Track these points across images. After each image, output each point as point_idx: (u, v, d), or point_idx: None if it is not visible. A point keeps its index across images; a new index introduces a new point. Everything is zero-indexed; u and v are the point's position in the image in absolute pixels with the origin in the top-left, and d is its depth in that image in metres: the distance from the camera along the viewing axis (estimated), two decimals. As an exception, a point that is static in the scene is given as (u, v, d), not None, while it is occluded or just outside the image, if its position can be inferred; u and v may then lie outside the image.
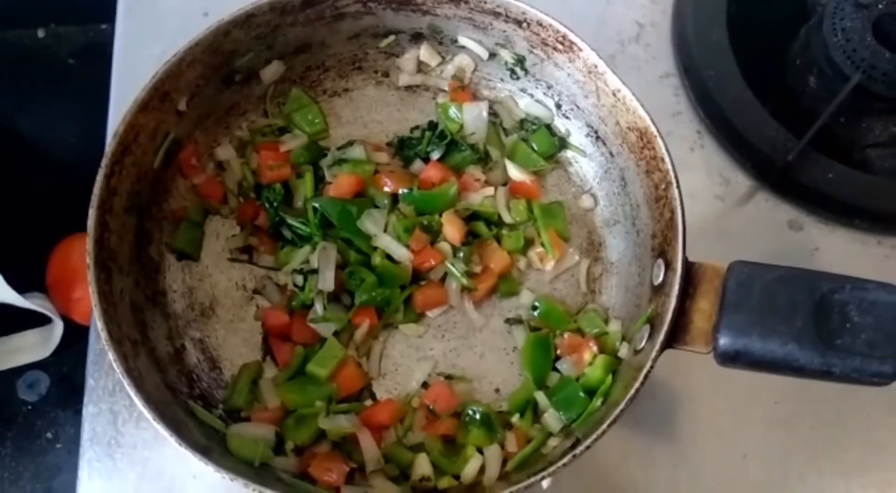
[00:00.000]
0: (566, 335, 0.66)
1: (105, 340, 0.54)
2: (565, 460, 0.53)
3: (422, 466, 0.61)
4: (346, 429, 0.61)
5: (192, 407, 0.60)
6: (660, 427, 0.72)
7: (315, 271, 0.66)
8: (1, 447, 1.06)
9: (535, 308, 0.68)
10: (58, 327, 1.06)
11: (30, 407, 1.07)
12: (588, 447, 0.54)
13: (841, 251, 0.77)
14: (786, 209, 0.79)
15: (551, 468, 0.54)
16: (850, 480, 0.69)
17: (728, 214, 0.79)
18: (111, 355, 0.53)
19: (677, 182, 0.58)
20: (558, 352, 0.66)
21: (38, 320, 1.07)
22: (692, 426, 0.72)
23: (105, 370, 0.72)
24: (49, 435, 1.06)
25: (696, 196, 0.78)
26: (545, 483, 0.67)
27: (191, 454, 0.51)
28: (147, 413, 0.52)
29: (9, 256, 0.99)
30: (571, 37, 0.64)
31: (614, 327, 0.65)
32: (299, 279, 0.67)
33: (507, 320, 0.69)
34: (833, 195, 0.77)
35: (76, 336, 1.06)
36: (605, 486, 0.70)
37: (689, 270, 0.56)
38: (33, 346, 1.06)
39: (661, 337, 0.55)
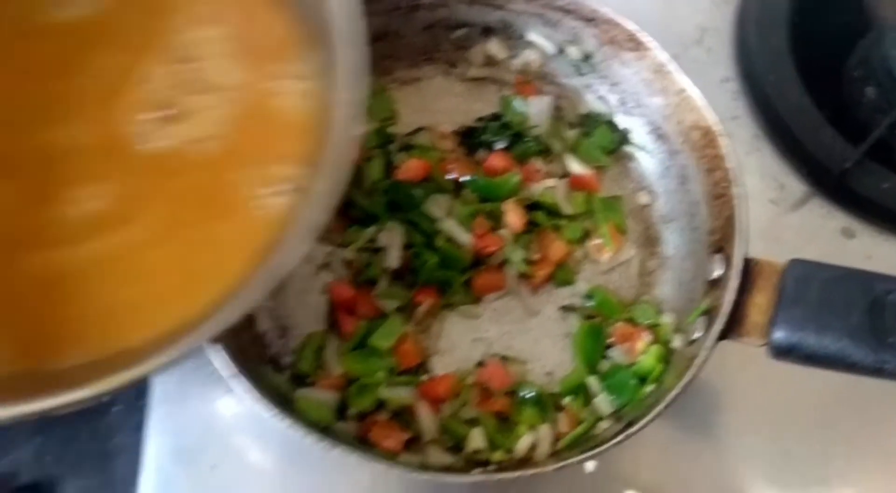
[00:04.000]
0: (619, 324, 0.68)
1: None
2: (618, 438, 0.56)
3: (476, 439, 0.64)
4: (404, 400, 0.64)
5: (263, 370, 0.64)
6: (703, 423, 0.74)
7: (381, 250, 0.69)
8: (60, 407, 1.10)
9: (589, 297, 0.70)
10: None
11: (89, 370, 1.12)
12: (641, 428, 0.56)
13: (893, 259, 0.78)
14: (839, 216, 0.80)
15: (604, 446, 0.56)
16: (890, 481, 0.71)
17: (782, 218, 0.81)
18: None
19: (739, 180, 0.61)
20: (610, 340, 0.69)
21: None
22: (736, 423, 0.73)
23: (175, 333, 0.76)
24: (107, 398, 1.11)
25: (751, 199, 0.79)
26: (590, 466, 0.70)
27: (267, 409, 0.55)
28: (228, 369, 0.56)
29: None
30: (640, 35, 0.66)
31: (667, 319, 0.67)
32: (366, 257, 0.70)
33: (562, 308, 0.71)
34: (887, 205, 0.78)
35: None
36: (647, 475, 0.72)
37: (748, 265, 0.58)
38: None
39: (717, 328, 0.57)
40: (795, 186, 0.82)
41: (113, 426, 1.12)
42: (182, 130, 0.44)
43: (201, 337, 0.39)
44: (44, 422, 1.11)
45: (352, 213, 0.72)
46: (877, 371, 0.53)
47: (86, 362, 0.40)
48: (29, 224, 0.43)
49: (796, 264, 0.57)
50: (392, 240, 0.69)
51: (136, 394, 1.14)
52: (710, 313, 0.61)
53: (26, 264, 0.42)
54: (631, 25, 0.67)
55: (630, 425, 0.57)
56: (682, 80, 0.65)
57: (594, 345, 0.68)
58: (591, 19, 0.69)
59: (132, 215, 0.43)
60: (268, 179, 0.44)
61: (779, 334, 0.55)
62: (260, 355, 0.66)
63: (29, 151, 0.43)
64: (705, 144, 0.65)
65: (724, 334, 0.57)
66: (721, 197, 0.63)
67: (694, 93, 0.64)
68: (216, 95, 0.44)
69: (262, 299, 0.40)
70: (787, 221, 0.81)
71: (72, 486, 1.08)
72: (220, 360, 0.56)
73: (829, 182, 0.80)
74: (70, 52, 0.45)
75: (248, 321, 0.67)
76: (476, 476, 0.58)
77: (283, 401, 0.62)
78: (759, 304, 0.57)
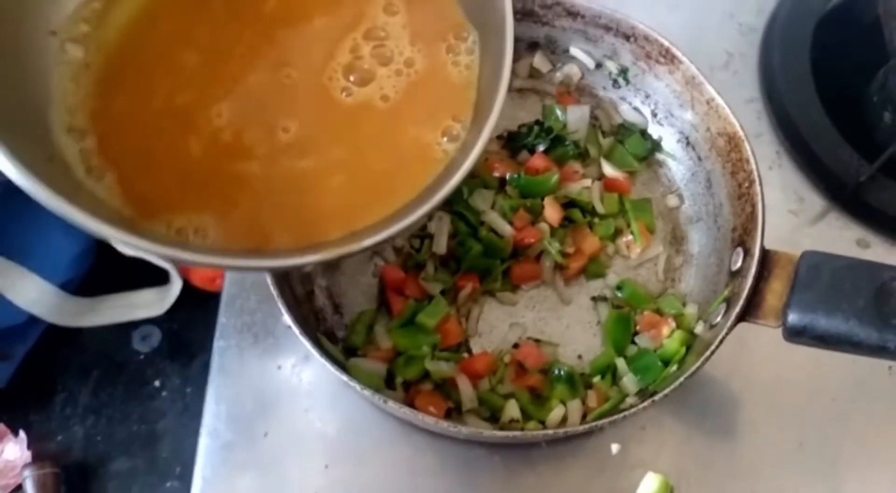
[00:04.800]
0: (646, 313, 0.74)
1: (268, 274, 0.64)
2: (644, 404, 0.61)
3: (511, 410, 0.69)
4: (447, 372, 0.70)
5: (320, 338, 0.70)
6: (722, 414, 0.78)
7: (430, 237, 0.75)
8: (113, 390, 1.17)
9: (619, 289, 0.76)
10: (175, 287, 1.15)
11: (142, 357, 1.19)
12: (665, 396, 0.61)
13: None
14: (855, 228, 0.86)
15: (630, 410, 0.61)
16: (898, 471, 0.75)
17: (801, 229, 0.86)
18: (270, 281, 0.64)
19: (760, 180, 0.67)
20: (638, 328, 0.74)
21: (157, 279, 1.17)
22: (753, 415, 0.78)
23: (235, 311, 0.82)
24: (157, 384, 1.17)
25: (772, 211, 0.84)
26: (615, 449, 0.75)
27: (329, 363, 0.61)
28: (295, 329, 0.62)
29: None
30: (674, 51, 0.73)
31: (691, 310, 0.73)
32: (416, 243, 0.76)
33: (593, 298, 0.77)
34: (900, 218, 0.84)
35: (189, 298, 1.15)
36: (668, 460, 0.76)
37: (766, 255, 0.64)
38: (151, 303, 1.16)
39: (736, 310, 0.63)
40: (814, 199, 0.87)
41: (160, 410, 1.20)
42: (373, 90, 0.57)
43: (385, 234, 0.50)
44: (98, 405, 1.18)
45: (403, 204, 0.79)
46: (880, 350, 0.58)
47: (292, 246, 0.51)
48: (246, 138, 0.54)
49: (810, 254, 0.62)
50: (440, 229, 0.75)
51: (183, 381, 1.22)
52: (730, 300, 0.66)
53: (241, 168, 0.53)
54: (665, 41, 0.74)
55: (652, 395, 0.63)
56: (711, 91, 0.72)
57: (623, 332, 0.74)
58: (629, 36, 0.76)
59: (327, 145, 0.55)
60: (438, 130, 0.56)
61: (793, 317, 0.60)
62: (317, 327, 0.72)
63: (258, 81, 0.55)
64: (731, 150, 0.71)
65: (743, 316, 0.63)
66: (743, 196, 0.69)
67: (722, 102, 0.71)
68: (399, 65, 0.58)
69: (431, 209, 0.51)
70: (805, 232, 0.86)
71: (120, 465, 1.15)
72: (294, 327, 0.63)
73: (846, 196, 0.85)
74: (297, 11, 0.58)
75: (307, 296, 0.74)
76: (510, 433, 0.63)
77: (339, 368, 0.69)
78: (776, 289, 0.62)
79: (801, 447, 0.76)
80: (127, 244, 0.45)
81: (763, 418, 0.78)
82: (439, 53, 0.58)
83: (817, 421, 0.77)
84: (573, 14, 0.77)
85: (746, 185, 0.68)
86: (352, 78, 0.57)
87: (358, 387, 0.61)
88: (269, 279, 0.64)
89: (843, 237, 0.85)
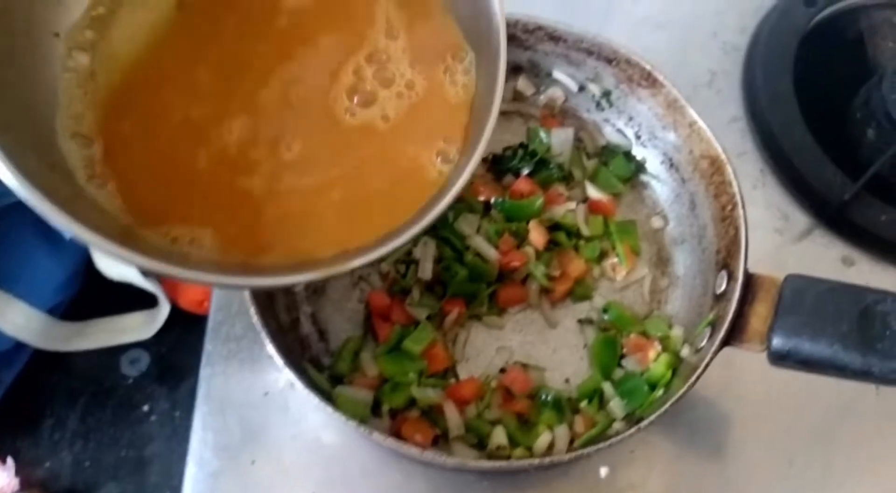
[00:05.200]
0: (632, 336, 0.74)
1: (250, 299, 0.64)
2: (631, 431, 0.61)
3: (498, 436, 0.69)
4: (433, 399, 0.70)
5: (306, 367, 0.70)
6: (711, 434, 0.78)
7: (416, 262, 0.75)
8: (101, 414, 1.17)
9: (605, 312, 0.76)
10: (163, 310, 1.16)
11: (130, 382, 1.18)
12: (651, 422, 0.61)
13: (889, 286, 0.81)
14: (840, 246, 0.86)
15: (616, 438, 0.61)
16: (886, 490, 0.75)
17: (786, 248, 0.86)
18: (253, 310, 0.63)
19: (742, 203, 0.67)
20: (624, 351, 0.74)
21: (144, 303, 1.18)
22: (742, 434, 0.78)
23: (221, 338, 0.82)
24: (145, 408, 1.17)
25: (756, 229, 0.84)
26: (604, 472, 0.75)
27: (314, 394, 0.61)
28: (277, 359, 0.62)
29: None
30: (655, 74, 0.74)
31: (677, 332, 0.73)
32: (402, 268, 0.76)
33: (580, 321, 0.77)
34: (884, 236, 0.84)
35: (177, 322, 1.16)
36: (657, 482, 0.76)
37: (749, 279, 0.64)
38: (139, 326, 1.16)
39: (720, 335, 0.63)
40: (799, 217, 0.87)
41: (148, 435, 1.19)
42: (375, 111, 0.57)
43: (376, 254, 0.51)
44: (86, 430, 1.17)
45: (388, 229, 0.79)
46: (865, 374, 0.58)
47: (283, 264, 0.52)
48: (252, 154, 0.55)
49: (793, 277, 0.62)
50: (425, 254, 0.75)
51: (171, 405, 1.21)
52: (715, 324, 0.66)
53: (242, 183, 0.54)
54: (647, 65, 0.74)
55: (639, 421, 0.63)
56: (693, 114, 0.72)
57: (609, 355, 0.74)
58: (611, 60, 0.76)
59: (327, 164, 0.56)
60: (434, 151, 0.57)
61: (776, 341, 0.60)
62: (302, 355, 0.72)
63: (266, 98, 0.56)
64: (713, 172, 0.71)
65: (728, 341, 0.63)
66: (727, 219, 0.69)
67: (703, 125, 0.71)
68: (400, 87, 0.58)
69: (421, 231, 0.52)
70: (790, 250, 0.86)
71: (108, 490, 1.14)
72: (276, 358, 0.63)
73: (830, 214, 0.85)
74: (308, 30, 0.59)
75: (292, 324, 0.74)
76: (497, 463, 0.63)
77: (324, 397, 0.68)
78: (760, 313, 0.63)
79: (790, 466, 0.76)
80: (117, 256, 0.44)
81: (752, 437, 0.78)
82: (437, 74, 0.59)
83: (806, 440, 0.77)
84: (555, 38, 0.77)
85: (729, 208, 0.68)
86: (355, 99, 0.57)
87: (343, 419, 0.60)
88: (251, 309, 0.64)
89: (828, 256, 0.86)
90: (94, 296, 1.13)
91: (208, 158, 0.54)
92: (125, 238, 0.48)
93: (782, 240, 0.87)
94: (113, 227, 0.50)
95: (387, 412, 0.70)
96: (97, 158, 0.52)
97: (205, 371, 0.81)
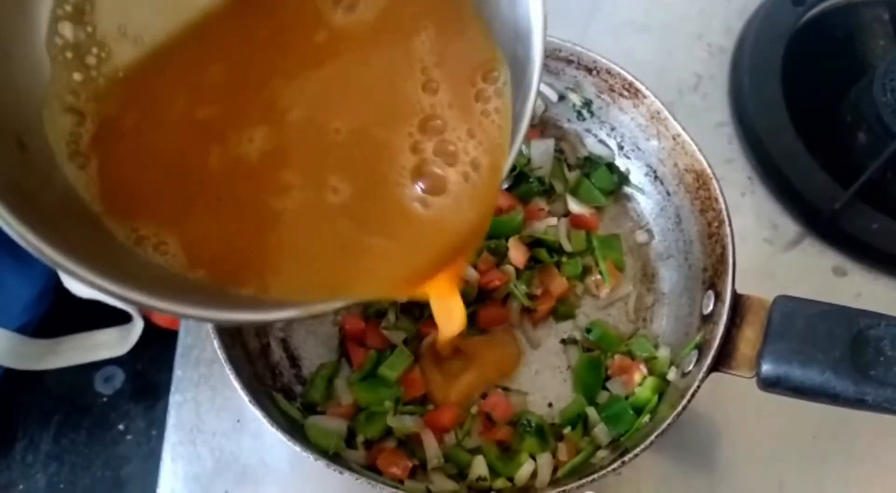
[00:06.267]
0: (617, 357, 0.71)
1: (212, 329, 0.61)
2: (614, 465, 0.58)
3: (479, 467, 0.66)
4: (410, 428, 0.67)
5: (276, 397, 0.67)
6: (700, 455, 0.76)
7: (390, 284, 0.72)
8: (75, 434, 1.13)
9: (589, 331, 0.73)
10: (137, 327, 1.13)
11: (105, 400, 1.14)
12: (634, 456, 0.59)
13: (882, 297, 0.81)
14: (831, 256, 0.83)
15: (601, 472, 0.58)
16: (881, 513, 0.73)
17: (776, 257, 0.83)
18: (216, 342, 0.60)
19: (729, 221, 0.64)
20: (609, 372, 0.71)
21: (119, 319, 1.14)
22: (732, 454, 0.75)
23: (191, 363, 0.79)
24: (121, 427, 1.13)
25: (745, 239, 0.82)
26: (589, 497, 0.72)
27: (280, 433, 0.58)
28: (243, 395, 0.59)
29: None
30: (637, 85, 0.70)
31: (663, 353, 0.70)
32: (376, 290, 0.73)
33: (563, 341, 0.74)
34: (877, 245, 0.81)
35: (152, 337, 1.12)
36: (645, 506, 0.74)
37: (737, 301, 0.61)
38: (112, 343, 1.13)
39: (707, 361, 0.60)
40: (789, 226, 0.85)
41: (124, 455, 1.15)
42: (446, 200, 0.51)
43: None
44: (60, 451, 1.14)
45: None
46: (858, 403, 0.56)
47: (251, 298, 0.47)
48: (284, 176, 0.50)
49: (783, 299, 0.60)
50: (401, 275, 0.72)
51: (148, 424, 1.18)
52: (702, 347, 0.63)
53: (243, 200, 0.50)
54: (628, 75, 0.71)
55: (625, 453, 0.60)
56: (676, 126, 0.69)
57: (593, 377, 0.71)
58: (591, 69, 0.73)
59: (374, 233, 0.50)
60: None
61: (766, 367, 0.58)
62: (273, 384, 0.69)
63: (294, 119, 0.51)
64: (699, 187, 0.68)
65: (715, 366, 0.60)
66: (713, 236, 0.66)
67: (688, 138, 0.68)
68: (466, 166, 0.51)
69: None
70: (780, 260, 0.84)
71: (84, 513, 1.11)
72: (239, 388, 0.60)
73: (821, 222, 0.83)
74: (343, 52, 0.52)
75: (262, 351, 0.71)
76: (477, 498, 0.61)
77: (295, 428, 0.65)
78: (749, 337, 0.60)
79: (781, 488, 0.74)
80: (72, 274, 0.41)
81: (742, 458, 0.75)
82: (477, 103, 0.52)
83: (797, 461, 0.75)
84: (532, 46, 0.74)
85: (716, 225, 0.66)
86: (421, 185, 0.50)
87: (312, 458, 0.57)
88: (216, 342, 0.61)
89: (819, 265, 0.83)
90: (65, 313, 1.09)
91: (209, 161, 0.50)
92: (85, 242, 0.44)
93: (772, 250, 0.84)
94: (81, 212, 0.47)
95: (362, 443, 0.67)
96: (86, 137, 0.48)
97: (174, 398, 0.78)
